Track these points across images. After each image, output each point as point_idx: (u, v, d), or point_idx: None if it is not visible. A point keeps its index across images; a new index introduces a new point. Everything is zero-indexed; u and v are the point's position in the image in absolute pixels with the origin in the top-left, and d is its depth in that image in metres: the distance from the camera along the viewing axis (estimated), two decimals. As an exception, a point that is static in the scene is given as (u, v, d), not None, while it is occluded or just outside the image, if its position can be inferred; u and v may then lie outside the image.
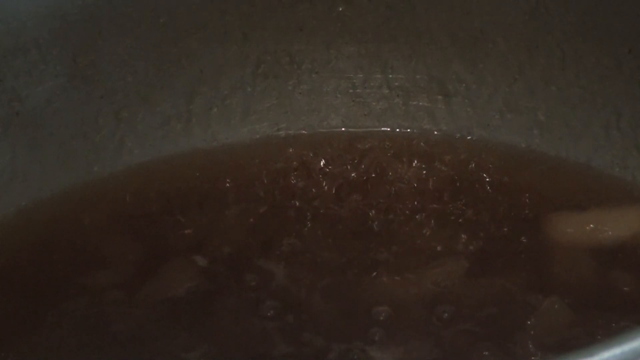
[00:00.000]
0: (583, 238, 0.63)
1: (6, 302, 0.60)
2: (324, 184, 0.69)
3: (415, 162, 0.70)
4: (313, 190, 0.68)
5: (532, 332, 0.57)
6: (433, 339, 0.57)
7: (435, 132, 0.72)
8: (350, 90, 0.73)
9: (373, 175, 0.69)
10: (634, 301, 0.58)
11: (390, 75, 0.72)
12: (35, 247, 0.64)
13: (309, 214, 0.66)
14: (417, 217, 0.66)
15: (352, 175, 0.70)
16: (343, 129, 0.73)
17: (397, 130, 0.73)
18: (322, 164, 0.70)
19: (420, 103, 0.72)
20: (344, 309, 0.59)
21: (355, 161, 0.70)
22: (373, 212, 0.66)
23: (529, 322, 0.57)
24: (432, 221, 0.66)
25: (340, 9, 0.70)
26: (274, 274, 0.61)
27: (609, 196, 0.66)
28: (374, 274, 0.61)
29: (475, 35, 0.69)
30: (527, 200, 0.66)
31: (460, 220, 0.65)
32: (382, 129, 0.73)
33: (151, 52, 0.68)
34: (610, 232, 0.63)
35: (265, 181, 0.69)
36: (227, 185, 0.69)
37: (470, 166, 0.70)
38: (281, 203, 0.67)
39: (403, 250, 0.63)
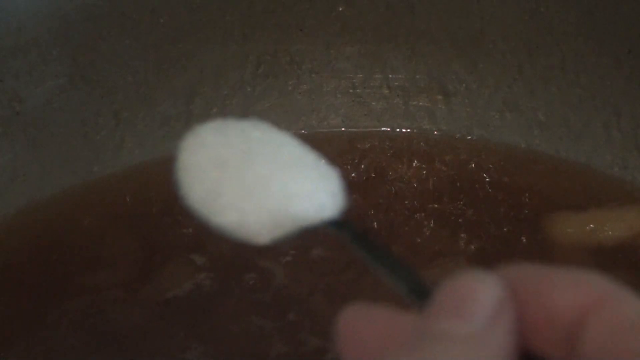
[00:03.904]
0: (583, 238, 0.63)
1: (6, 302, 0.60)
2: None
3: (415, 162, 0.70)
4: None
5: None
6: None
7: (435, 132, 0.72)
8: (350, 90, 0.73)
9: (373, 175, 0.69)
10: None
11: (390, 75, 0.72)
12: (35, 247, 0.64)
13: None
14: (417, 217, 0.66)
15: (352, 175, 0.70)
16: (343, 129, 0.73)
17: (397, 130, 0.73)
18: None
19: (420, 103, 0.73)
20: (344, 309, 0.59)
21: (355, 161, 0.70)
22: (373, 212, 0.66)
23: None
24: (432, 221, 0.66)
25: (340, 9, 0.70)
26: (273, 274, 0.61)
27: (609, 196, 0.66)
28: (374, 274, 0.61)
29: (475, 35, 0.69)
30: (527, 200, 0.66)
31: (460, 220, 0.65)
32: (382, 129, 0.73)
33: (151, 52, 0.68)
34: (610, 232, 0.63)
35: (265, 181, 0.69)
36: (227, 185, 0.69)
37: (470, 166, 0.70)
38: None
39: (403, 250, 0.63)
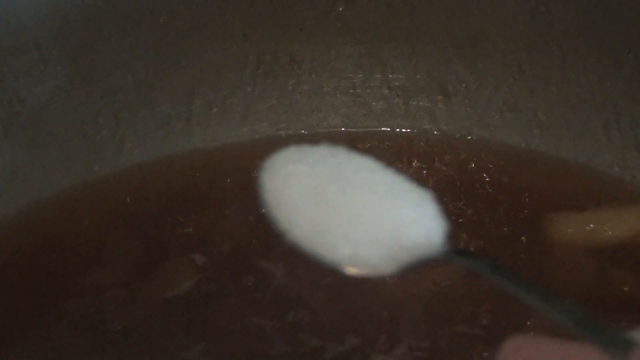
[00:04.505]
0: (583, 238, 0.63)
1: (6, 302, 0.60)
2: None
3: (415, 162, 0.70)
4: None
5: (532, 332, 0.57)
6: (432, 339, 0.57)
7: (435, 132, 0.72)
8: (350, 90, 0.73)
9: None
10: (634, 301, 0.58)
11: (390, 75, 0.72)
12: (35, 247, 0.64)
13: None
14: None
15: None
16: (343, 129, 0.73)
17: (397, 130, 0.73)
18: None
19: (420, 103, 0.73)
20: (344, 309, 0.59)
21: (355, 161, 0.70)
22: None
23: (528, 322, 0.57)
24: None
25: (340, 9, 0.70)
26: (273, 274, 0.61)
27: (609, 196, 0.66)
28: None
29: (475, 35, 0.69)
30: (527, 200, 0.66)
31: (460, 220, 0.65)
32: (382, 129, 0.73)
33: (151, 52, 0.68)
34: (610, 232, 0.63)
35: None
36: (227, 185, 0.69)
37: (470, 166, 0.70)
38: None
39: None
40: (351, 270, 0.38)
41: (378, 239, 0.37)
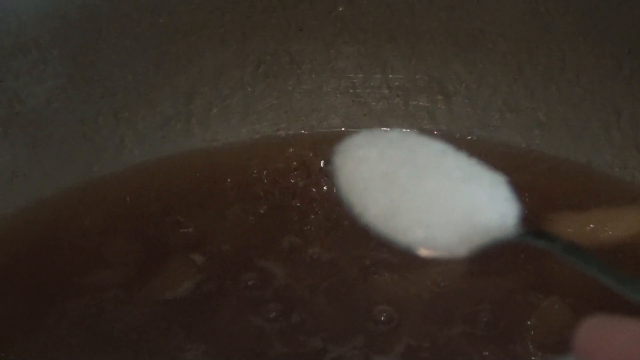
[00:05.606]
0: (583, 238, 0.63)
1: (6, 302, 0.60)
2: (324, 184, 0.69)
3: (416, 162, 0.70)
4: (313, 190, 0.68)
5: (532, 332, 0.57)
6: (432, 338, 0.57)
7: (435, 132, 0.72)
8: (350, 90, 0.73)
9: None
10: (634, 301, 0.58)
11: (390, 75, 0.72)
12: (35, 247, 0.64)
13: (309, 214, 0.66)
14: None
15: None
16: (343, 129, 0.73)
17: (397, 130, 0.73)
18: (322, 164, 0.70)
19: (420, 103, 0.72)
20: (344, 309, 0.59)
21: (355, 161, 0.70)
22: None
23: (529, 322, 0.57)
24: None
25: (340, 9, 0.70)
26: (273, 274, 0.61)
27: (609, 196, 0.66)
28: (374, 274, 0.61)
29: (475, 35, 0.69)
30: (527, 200, 0.66)
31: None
32: (382, 129, 0.73)
33: (151, 52, 0.68)
34: (610, 232, 0.63)
35: (265, 181, 0.69)
36: (227, 185, 0.69)
37: (470, 166, 0.70)
38: (281, 203, 0.67)
39: (403, 249, 0.63)
40: (425, 253, 0.38)
41: (452, 221, 0.37)
